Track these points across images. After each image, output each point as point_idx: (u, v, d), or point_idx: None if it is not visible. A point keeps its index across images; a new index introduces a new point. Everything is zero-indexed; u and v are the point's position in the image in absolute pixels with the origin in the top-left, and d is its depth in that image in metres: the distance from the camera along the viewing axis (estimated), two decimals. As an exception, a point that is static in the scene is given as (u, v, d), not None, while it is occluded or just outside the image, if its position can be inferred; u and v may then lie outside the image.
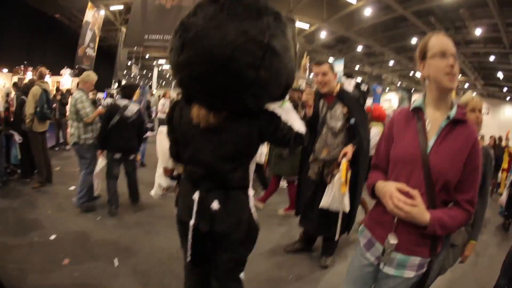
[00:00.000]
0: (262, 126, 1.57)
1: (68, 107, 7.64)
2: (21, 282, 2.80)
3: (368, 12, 15.02)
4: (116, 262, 3.20)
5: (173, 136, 1.76)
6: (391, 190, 1.36)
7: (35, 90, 5.19)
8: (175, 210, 1.82)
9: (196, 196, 1.63)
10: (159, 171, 2.14)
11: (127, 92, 4.46)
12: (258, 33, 1.33)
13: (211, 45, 1.31)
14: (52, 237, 3.70)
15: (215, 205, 1.60)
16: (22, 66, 10.01)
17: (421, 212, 1.30)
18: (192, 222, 1.62)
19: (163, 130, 1.95)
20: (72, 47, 18.49)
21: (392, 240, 1.39)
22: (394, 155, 1.51)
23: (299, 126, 1.65)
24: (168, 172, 2.08)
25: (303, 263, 3.38)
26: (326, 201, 3.02)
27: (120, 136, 4.19)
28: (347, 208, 2.99)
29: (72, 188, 5.22)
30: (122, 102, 4.31)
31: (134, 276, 2.99)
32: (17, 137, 5.49)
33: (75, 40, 18.43)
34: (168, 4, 14.31)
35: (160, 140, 2.00)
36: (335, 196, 2.98)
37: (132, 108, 4.30)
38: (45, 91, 5.29)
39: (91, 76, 4.54)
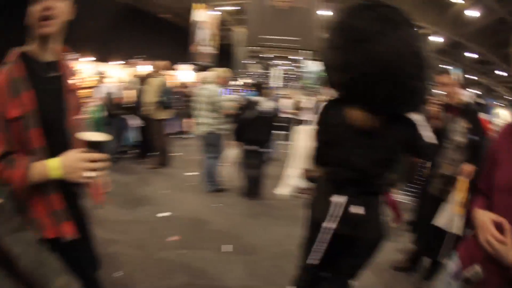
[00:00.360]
0: (408, 134, 1.59)
1: (191, 99, 8.24)
2: (123, 253, 3.02)
3: (473, 13, 13.93)
4: (225, 248, 3.30)
5: (322, 137, 1.76)
6: (485, 221, 1.21)
7: (156, 81, 5.70)
8: (305, 211, 1.86)
9: (338, 199, 1.64)
10: (294, 171, 2.17)
11: (257, 89, 4.80)
12: (415, 44, 1.37)
13: (380, 51, 1.34)
14: (163, 214, 3.94)
15: (358, 210, 1.63)
16: (135, 59, 11.17)
17: (508, 251, 1.13)
18: (331, 225, 1.65)
19: (302, 130, 1.98)
20: (183, 44, 19.87)
21: (480, 271, 1.26)
22: (495, 181, 1.32)
23: (430, 137, 1.64)
24: (308, 174, 2.09)
25: (404, 283, 3.23)
26: (439, 219, 2.86)
27: (255, 130, 4.46)
28: (457, 230, 2.78)
29: (189, 173, 5.61)
30: (255, 98, 4.63)
31: (242, 265, 3.05)
32: (137, 121, 6.07)
33: (186, 37, 19.75)
34: (281, 5, 14.66)
35: (300, 141, 2.03)
36: (448, 215, 2.82)
37: (267, 104, 4.59)
38: (165, 83, 5.80)
39: (227, 73, 4.94)
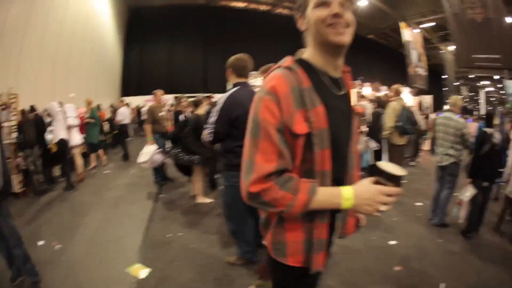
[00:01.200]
0: None
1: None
2: (346, 280, 3.19)
3: None
4: (442, 287, 3.20)
5: None
6: None
7: (395, 105, 5.66)
8: None
9: None
10: None
11: (488, 119, 4.57)
12: None
13: None
14: (391, 242, 4.06)
15: None
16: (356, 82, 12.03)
17: None
18: None
19: None
20: (393, 65, 19.66)
21: None
22: None
23: None
24: None
25: None
26: None
27: (490, 164, 4.22)
28: None
29: (418, 204, 5.55)
30: (490, 130, 4.28)
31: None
32: (373, 144, 6.33)
33: (395, 58, 19.50)
34: (478, 17, 12.88)
35: None
36: None
37: (497, 135, 4.24)
38: (404, 108, 5.72)
39: (460, 101, 4.67)
